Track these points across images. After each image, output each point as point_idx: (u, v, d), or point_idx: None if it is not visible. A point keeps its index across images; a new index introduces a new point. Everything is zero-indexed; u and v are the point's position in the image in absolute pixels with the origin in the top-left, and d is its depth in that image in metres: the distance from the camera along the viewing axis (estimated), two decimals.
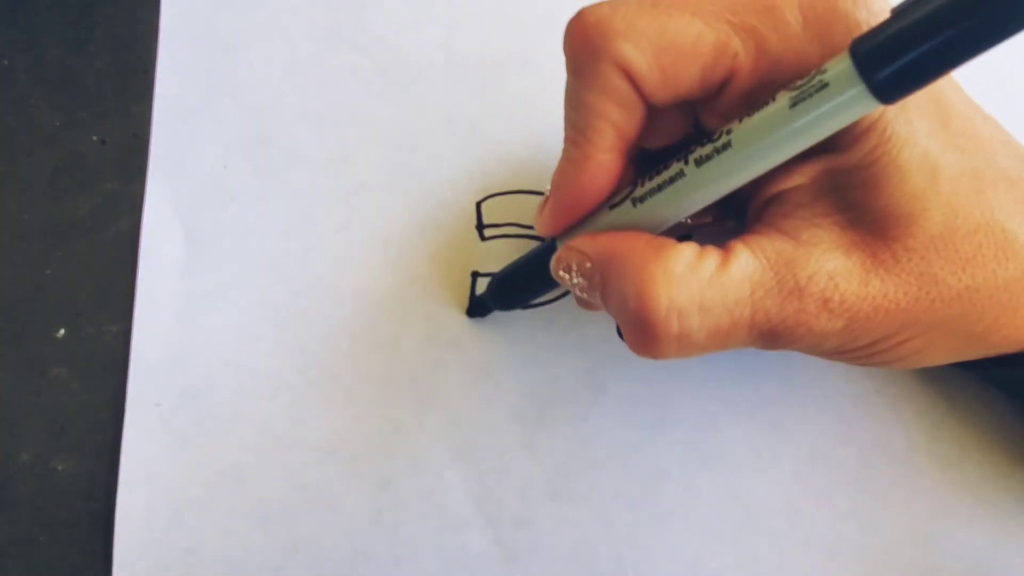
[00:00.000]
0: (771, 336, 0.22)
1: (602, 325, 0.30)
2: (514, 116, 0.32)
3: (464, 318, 0.30)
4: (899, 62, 0.17)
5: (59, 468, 0.29)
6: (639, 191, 0.22)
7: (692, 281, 0.21)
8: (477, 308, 0.30)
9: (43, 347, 0.30)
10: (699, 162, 0.21)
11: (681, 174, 0.21)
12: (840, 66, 0.18)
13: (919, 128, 0.20)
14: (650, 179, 0.22)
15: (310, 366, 0.30)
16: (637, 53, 0.21)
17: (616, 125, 0.22)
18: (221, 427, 0.29)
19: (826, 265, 0.21)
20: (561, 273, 0.24)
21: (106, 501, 0.29)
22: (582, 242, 0.23)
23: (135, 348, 0.30)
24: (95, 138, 0.32)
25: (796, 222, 0.22)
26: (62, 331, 0.30)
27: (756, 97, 0.20)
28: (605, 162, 0.22)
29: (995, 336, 0.22)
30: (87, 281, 0.31)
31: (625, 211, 0.23)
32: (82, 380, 0.30)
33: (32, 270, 0.31)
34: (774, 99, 0.20)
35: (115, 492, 0.28)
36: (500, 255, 0.30)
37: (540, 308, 0.30)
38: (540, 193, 0.31)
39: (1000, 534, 0.28)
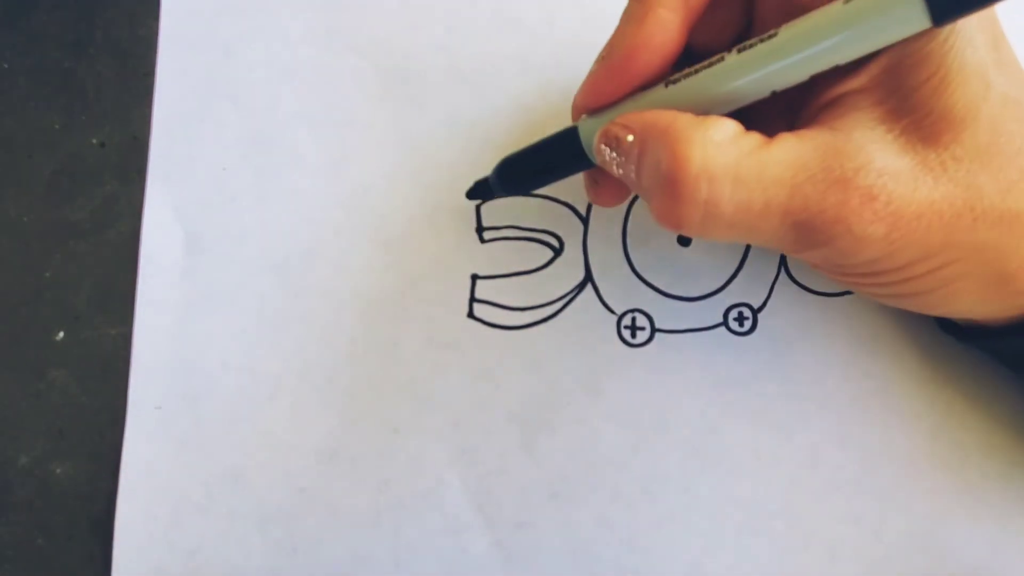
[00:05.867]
0: (805, 229, 0.21)
1: (602, 326, 0.30)
2: (514, 117, 0.32)
3: (464, 320, 0.30)
4: None
5: (58, 471, 0.29)
6: (675, 75, 0.22)
7: (730, 150, 0.20)
8: (478, 191, 0.29)
9: (42, 350, 0.30)
10: (741, 49, 0.21)
11: (721, 59, 0.21)
12: None
13: (978, 37, 0.20)
14: (689, 66, 0.22)
15: (309, 368, 0.30)
16: None
17: None
18: (221, 430, 0.29)
19: (876, 162, 0.20)
20: (603, 147, 0.23)
21: (105, 504, 0.29)
22: (627, 118, 0.22)
23: (136, 351, 0.30)
24: (95, 141, 0.32)
25: (850, 122, 0.21)
26: (61, 334, 0.30)
27: None
28: (666, 20, 0.21)
29: (1022, 280, 0.22)
30: (87, 284, 0.31)
31: (658, 93, 0.22)
32: (81, 383, 0.30)
33: (32, 273, 0.31)
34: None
35: (115, 495, 0.28)
36: (500, 257, 0.30)
37: (538, 311, 0.30)
38: (540, 196, 0.31)
39: (1000, 535, 0.28)
